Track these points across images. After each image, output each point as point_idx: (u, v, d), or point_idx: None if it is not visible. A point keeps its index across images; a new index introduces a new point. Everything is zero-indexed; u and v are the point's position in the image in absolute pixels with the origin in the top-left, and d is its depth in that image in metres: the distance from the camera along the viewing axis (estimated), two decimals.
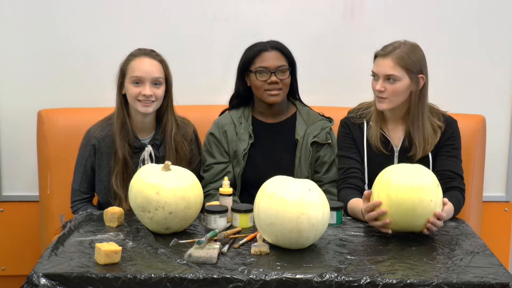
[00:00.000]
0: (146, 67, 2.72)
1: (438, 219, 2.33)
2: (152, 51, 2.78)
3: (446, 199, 2.41)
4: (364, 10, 3.37)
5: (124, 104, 2.76)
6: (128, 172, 2.72)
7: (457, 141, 2.75)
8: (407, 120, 2.71)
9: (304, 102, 3.03)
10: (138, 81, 2.71)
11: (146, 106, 2.72)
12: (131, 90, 2.72)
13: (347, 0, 3.35)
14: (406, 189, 2.29)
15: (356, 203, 2.56)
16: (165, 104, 2.79)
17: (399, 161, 2.72)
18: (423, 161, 2.69)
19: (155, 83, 2.73)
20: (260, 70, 2.86)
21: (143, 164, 2.76)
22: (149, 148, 2.80)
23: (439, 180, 2.64)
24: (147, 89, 2.70)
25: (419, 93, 2.66)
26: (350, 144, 2.79)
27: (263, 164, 2.91)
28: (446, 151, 2.72)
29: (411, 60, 2.62)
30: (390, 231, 2.35)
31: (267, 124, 2.97)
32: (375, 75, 2.67)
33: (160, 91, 2.74)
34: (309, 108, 3.02)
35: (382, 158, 2.73)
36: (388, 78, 2.62)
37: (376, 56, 2.68)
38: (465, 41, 3.40)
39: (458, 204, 2.63)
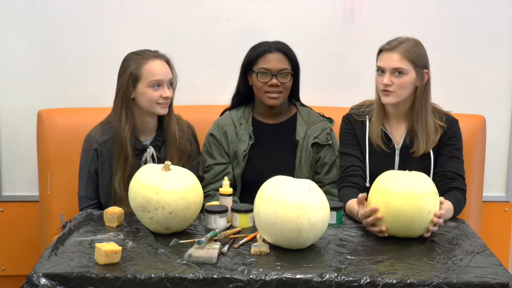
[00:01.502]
0: (163, 70, 2.72)
1: (438, 217, 2.34)
2: (158, 51, 2.78)
3: (442, 198, 2.41)
4: (364, 10, 3.37)
5: (130, 108, 2.74)
6: (131, 175, 2.70)
7: (458, 141, 2.76)
8: (410, 117, 2.72)
9: (304, 102, 3.03)
10: (158, 85, 2.71)
11: (164, 108, 2.74)
12: (150, 94, 2.71)
13: (347, 1, 3.35)
14: (404, 202, 2.29)
15: (353, 205, 2.56)
16: None
17: (401, 159, 2.73)
18: (425, 159, 2.70)
19: (170, 83, 2.75)
20: (262, 71, 2.86)
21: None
22: (151, 150, 2.79)
23: (441, 180, 2.65)
24: (167, 91, 2.71)
25: (423, 88, 2.67)
26: (352, 141, 2.78)
27: (263, 165, 2.91)
28: (448, 152, 2.72)
29: (417, 54, 2.64)
30: (386, 235, 2.36)
31: (267, 125, 2.96)
32: (381, 70, 2.66)
33: (172, 91, 2.76)
34: (310, 109, 3.01)
35: (383, 155, 2.73)
36: (395, 71, 2.63)
37: (381, 50, 2.68)
38: (465, 41, 3.40)
39: (459, 205, 2.63)
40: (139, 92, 2.72)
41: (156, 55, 2.75)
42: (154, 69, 2.71)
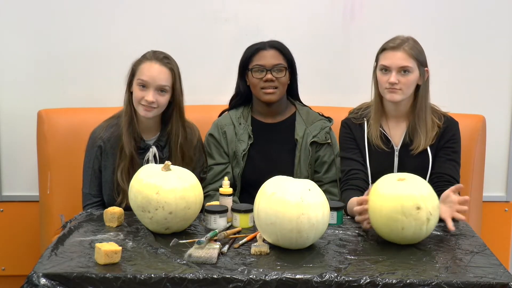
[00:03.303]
0: (153, 73, 2.70)
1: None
2: (166, 57, 2.74)
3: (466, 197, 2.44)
4: (364, 11, 3.37)
5: (131, 102, 2.75)
6: (134, 169, 2.67)
7: (457, 144, 2.76)
8: (410, 115, 2.73)
9: (304, 102, 3.03)
10: (143, 85, 2.69)
11: (147, 111, 2.70)
12: (136, 92, 2.71)
13: (347, 1, 3.35)
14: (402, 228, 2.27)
15: (352, 203, 2.57)
16: (170, 111, 2.77)
17: (400, 159, 2.74)
18: (423, 158, 2.71)
19: (161, 90, 2.71)
20: (256, 67, 2.87)
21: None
22: (153, 149, 2.79)
23: (437, 182, 2.66)
24: (150, 95, 2.68)
25: (424, 86, 2.69)
26: (351, 145, 2.79)
27: (263, 165, 2.91)
28: (446, 154, 2.73)
29: (419, 52, 2.68)
30: (369, 226, 2.37)
31: (267, 124, 2.97)
32: (385, 68, 2.66)
33: (164, 99, 2.72)
34: (309, 108, 3.02)
35: (383, 156, 2.74)
36: (402, 70, 2.64)
37: (384, 49, 2.68)
38: (465, 41, 3.40)
39: None
40: (133, 89, 2.74)
41: (157, 57, 2.72)
42: (145, 69, 2.70)
